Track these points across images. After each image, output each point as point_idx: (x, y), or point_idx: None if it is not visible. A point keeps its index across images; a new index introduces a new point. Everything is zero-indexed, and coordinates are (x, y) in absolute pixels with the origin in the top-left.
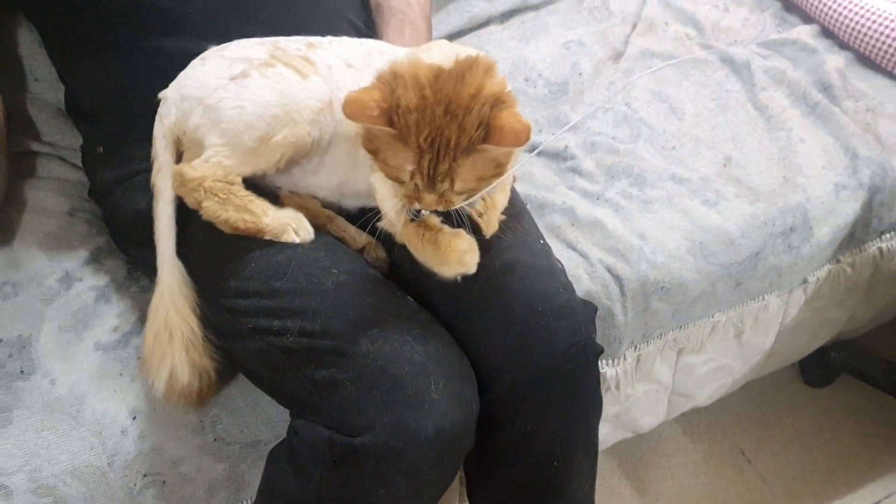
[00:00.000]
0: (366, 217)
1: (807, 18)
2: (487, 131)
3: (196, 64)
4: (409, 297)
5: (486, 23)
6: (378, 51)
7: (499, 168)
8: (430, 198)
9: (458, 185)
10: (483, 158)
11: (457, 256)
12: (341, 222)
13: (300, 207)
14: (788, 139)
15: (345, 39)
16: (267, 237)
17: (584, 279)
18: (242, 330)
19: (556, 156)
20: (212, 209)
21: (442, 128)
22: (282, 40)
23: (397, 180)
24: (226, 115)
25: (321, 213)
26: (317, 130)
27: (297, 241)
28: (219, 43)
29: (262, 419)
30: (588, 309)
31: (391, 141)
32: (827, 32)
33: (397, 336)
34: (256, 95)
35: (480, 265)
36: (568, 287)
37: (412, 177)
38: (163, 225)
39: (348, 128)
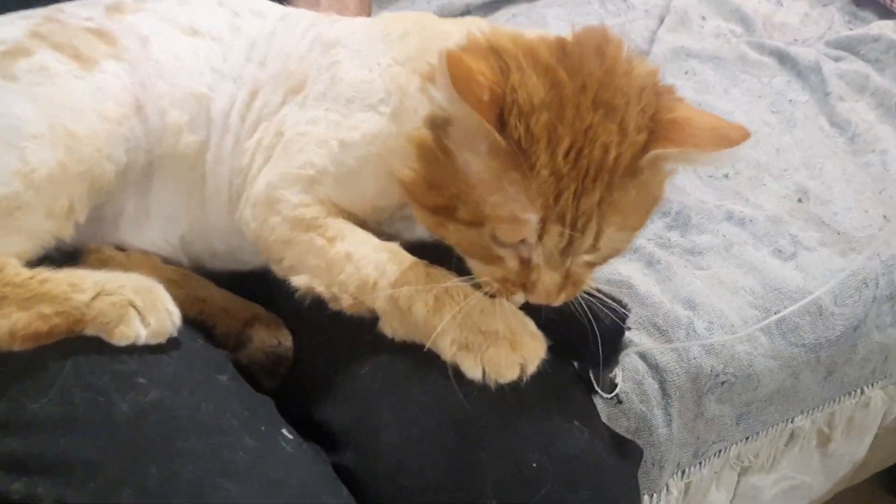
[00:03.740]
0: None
1: (885, 13)
2: (659, 130)
3: None
4: (284, 430)
5: (464, 13)
6: (257, 10)
7: (655, 206)
8: (552, 279)
9: (604, 241)
10: (646, 187)
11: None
12: (216, 296)
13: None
14: (883, 164)
15: None
16: (91, 332)
17: None
18: None
19: None
20: None
21: (594, 132)
22: (67, 6)
23: (486, 256)
24: None
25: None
26: (119, 150)
27: (144, 336)
28: None
29: None
30: (625, 462)
31: (499, 168)
32: None
33: None
34: None
35: None
36: (589, 417)
37: (542, 235)
38: None
39: (186, 140)
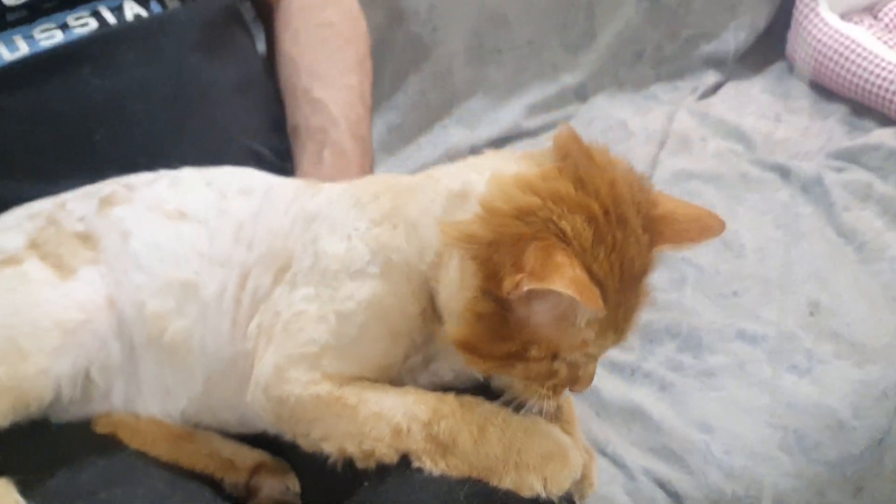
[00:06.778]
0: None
1: (885, 121)
2: (653, 227)
3: None
4: None
5: (471, 154)
6: (244, 188)
7: None
8: (594, 369)
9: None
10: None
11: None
12: (223, 449)
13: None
14: (894, 271)
15: (185, 176)
16: None
17: (620, 500)
18: None
19: None
20: None
21: (623, 249)
22: (71, 200)
23: (545, 375)
24: None
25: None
26: (65, 362)
27: None
28: (43, 182)
29: None
30: None
31: (575, 309)
32: None
33: None
34: None
35: None
36: None
37: (604, 336)
38: None
39: (175, 328)
